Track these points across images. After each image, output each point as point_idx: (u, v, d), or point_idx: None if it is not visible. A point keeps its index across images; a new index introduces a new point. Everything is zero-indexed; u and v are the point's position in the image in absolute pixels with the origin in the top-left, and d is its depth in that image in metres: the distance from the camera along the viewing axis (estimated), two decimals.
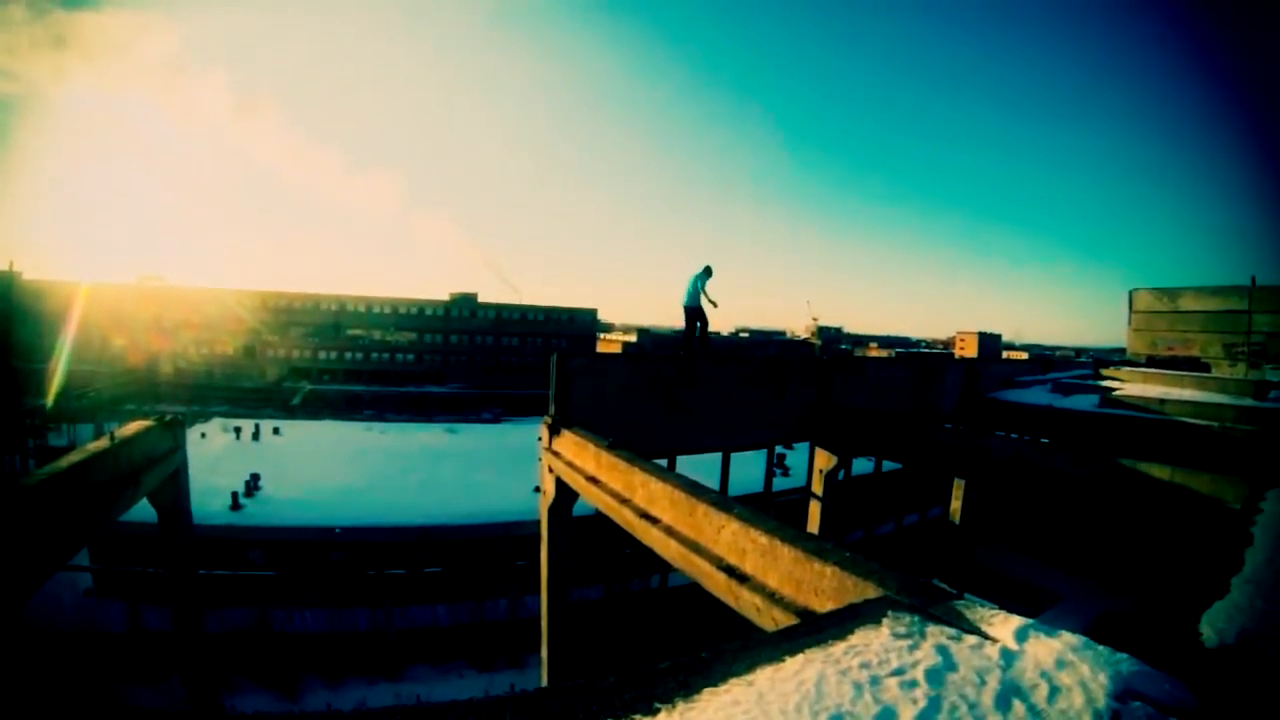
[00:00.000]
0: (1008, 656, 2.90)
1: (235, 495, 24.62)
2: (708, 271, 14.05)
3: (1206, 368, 24.09)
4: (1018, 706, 2.51)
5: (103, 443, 10.39)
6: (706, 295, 13.93)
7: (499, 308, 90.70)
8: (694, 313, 14.00)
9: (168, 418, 13.21)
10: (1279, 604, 4.18)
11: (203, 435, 37.08)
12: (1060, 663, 2.81)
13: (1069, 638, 2.98)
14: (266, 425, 41.20)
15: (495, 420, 67.05)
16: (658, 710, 2.44)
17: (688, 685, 2.60)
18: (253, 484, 26.44)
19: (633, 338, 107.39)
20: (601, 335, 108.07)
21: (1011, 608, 3.57)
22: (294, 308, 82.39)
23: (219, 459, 30.92)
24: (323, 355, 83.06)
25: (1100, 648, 2.92)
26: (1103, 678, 2.68)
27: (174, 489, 13.45)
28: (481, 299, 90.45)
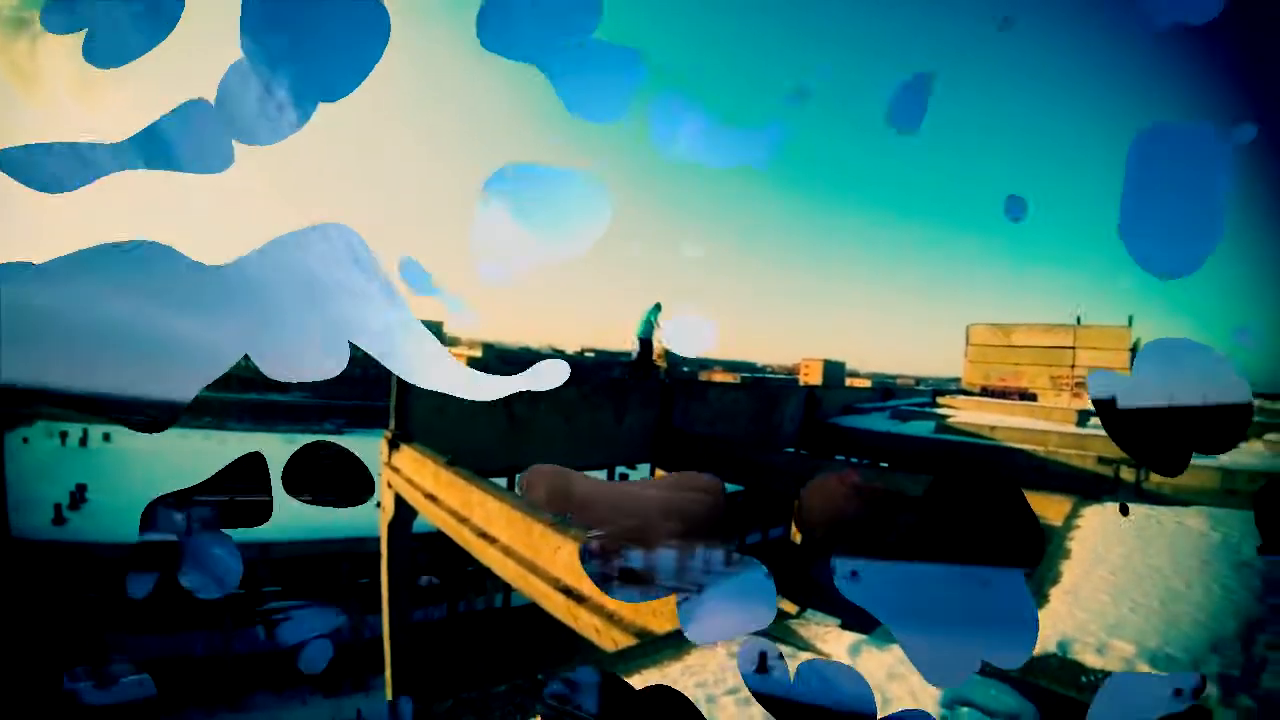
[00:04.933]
0: None
1: (58, 507, 22.43)
2: (658, 307, 15.46)
3: (1034, 398, 26.44)
4: None
5: None
6: (659, 326, 15.42)
7: None
8: (646, 344, 15.54)
9: None
10: (1093, 612, 4.52)
11: (24, 439, 33.28)
12: (891, 675, 2.90)
13: (900, 651, 3.09)
14: (96, 430, 37.67)
15: (338, 431, 64.35)
16: None
17: (524, 709, 2.52)
18: (79, 495, 24.12)
19: (478, 353, 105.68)
20: (447, 349, 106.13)
21: (851, 623, 3.69)
22: None
23: (42, 467, 27.91)
24: None
25: None
26: (932, 687, 2.78)
27: None
28: None
